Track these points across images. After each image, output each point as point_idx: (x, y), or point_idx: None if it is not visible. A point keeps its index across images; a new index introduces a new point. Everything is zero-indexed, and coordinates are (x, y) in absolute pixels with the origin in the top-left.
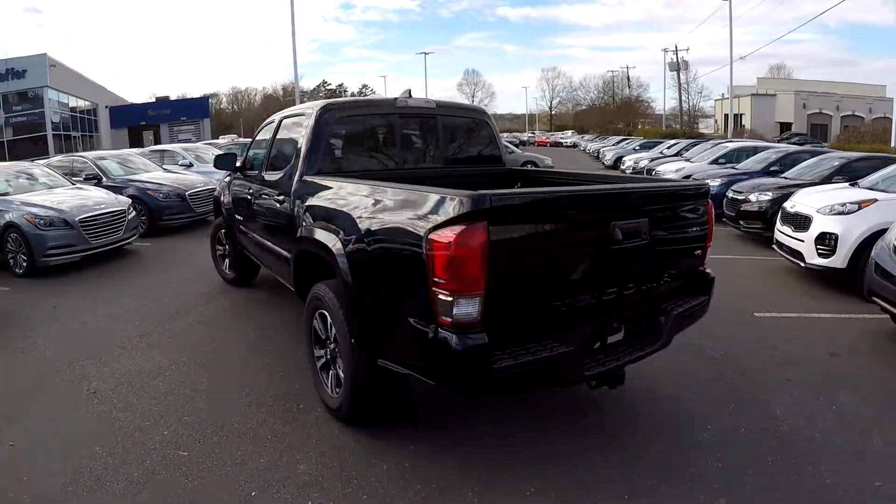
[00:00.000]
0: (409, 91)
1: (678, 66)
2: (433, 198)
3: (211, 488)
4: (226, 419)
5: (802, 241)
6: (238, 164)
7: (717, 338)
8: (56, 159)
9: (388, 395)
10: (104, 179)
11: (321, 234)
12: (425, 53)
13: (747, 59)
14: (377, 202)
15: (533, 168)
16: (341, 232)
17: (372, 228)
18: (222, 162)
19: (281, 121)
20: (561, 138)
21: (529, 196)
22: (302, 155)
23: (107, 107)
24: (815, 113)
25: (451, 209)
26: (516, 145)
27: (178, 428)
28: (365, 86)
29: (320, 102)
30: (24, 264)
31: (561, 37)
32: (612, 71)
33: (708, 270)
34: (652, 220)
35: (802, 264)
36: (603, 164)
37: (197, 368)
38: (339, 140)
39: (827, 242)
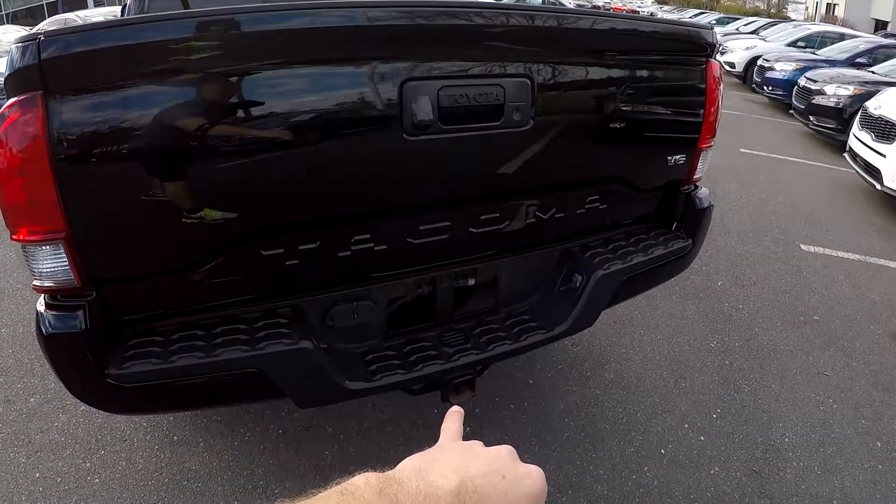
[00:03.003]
0: None
1: None
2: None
3: None
4: None
5: (884, 155)
6: None
7: (737, 274)
8: (50, 20)
9: None
10: None
11: None
12: None
13: None
14: None
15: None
16: None
17: None
18: (126, 11)
19: None
20: (639, 7)
21: (148, 23)
22: None
23: None
24: None
25: (6, 72)
26: None
27: None
28: None
29: None
30: None
31: None
32: None
33: (699, 196)
34: (544, 82)
35: (878, 186)
36: None
37: None
38: None
39: None
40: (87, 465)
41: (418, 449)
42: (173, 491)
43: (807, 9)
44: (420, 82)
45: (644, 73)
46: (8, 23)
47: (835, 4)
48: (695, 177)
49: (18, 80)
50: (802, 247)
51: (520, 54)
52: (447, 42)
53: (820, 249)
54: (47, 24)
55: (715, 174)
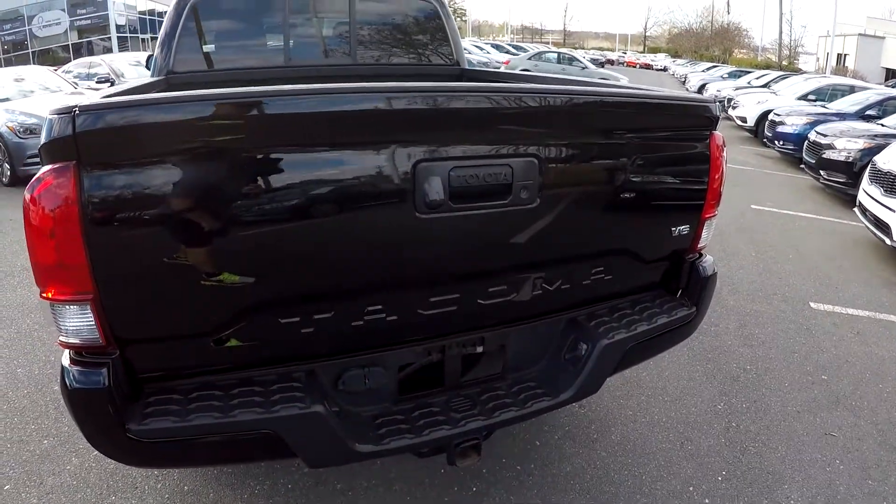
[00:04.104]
0: None
1: None
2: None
3: None
4: None
5: (893, 210)
6: None
7: (745, 334)
8: (76, 62)
9: None
10: (117, 82)
11: None
12: None
13: None
14: None
15: (493, 70)
16: None
17: None
18: (151, 62)
19: None
20: (652, 61)
21: (177, 103)
22: (156, 49)
23: None
24: None
25: (42, 140)
26: (601, 64)
27: None
28: None
29: None
30: (9, 173)
31: None
32: None
33: (703, 264)
34: (550, 161)
35: (888, 241)
36: (687, 89)
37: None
38: (207, 29)
39: None
40: None
41: None
42: None
43: (818, 60)
44: (432, 163)
45: (649, 148)
46: (33, 62)
47: (846, 55)
48: (699, 245)
49: (54, 149)
50: (812, 305)
51: (527, 135)
52: (458, 124)
53: (829, 307)
54: (74, 66)
55: (725, 232)
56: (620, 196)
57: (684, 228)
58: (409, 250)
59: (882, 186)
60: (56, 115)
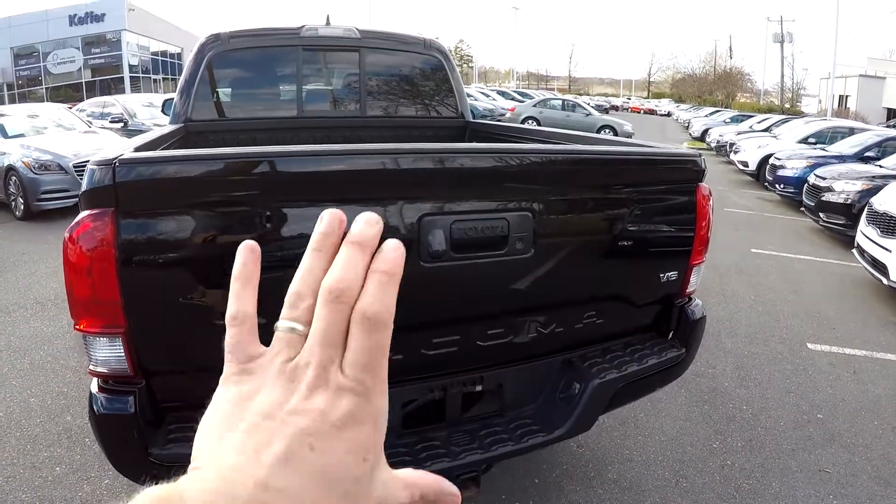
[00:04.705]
0: (328, 17)
1: (782, 38)
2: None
3: None
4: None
5: (889, 250)
6: None
7: (743, 376)
8: (90, 101)
9: None
10: (130, 122)
11: None
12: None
13: (859, 38)
14: None
15: (495, 123)
16: None
17: None
18: (167, 106)
19: None
20: (656, 106)
21: (206, 159)
22: (176, 97)
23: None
24: None
25: (83, 187)
26: (605, 110)
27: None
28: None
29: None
30: (22, 208)
31: None
32: (716, 39)
33: (692, 308)
34: (544, 215)
35: (885, 281)
36: (690, 135)
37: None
38: (224, 79)
39: None
40: None
41: None
42: None
43: (820, 101)
44: (435, 217)
45: (640, 200)
46: (46, 98)
47: (847, 96)
48: (688, 290)
49: (94, 196)
50: (809, 345)
51: (522, 191)
52: (460, 182)
53: (826, 347)
54: (88, 105)
55: (725, 275)
56: (611, 245)
57: (673, 275)
58: (414, 296)
59: (879, 227)
60: (97, 166)
